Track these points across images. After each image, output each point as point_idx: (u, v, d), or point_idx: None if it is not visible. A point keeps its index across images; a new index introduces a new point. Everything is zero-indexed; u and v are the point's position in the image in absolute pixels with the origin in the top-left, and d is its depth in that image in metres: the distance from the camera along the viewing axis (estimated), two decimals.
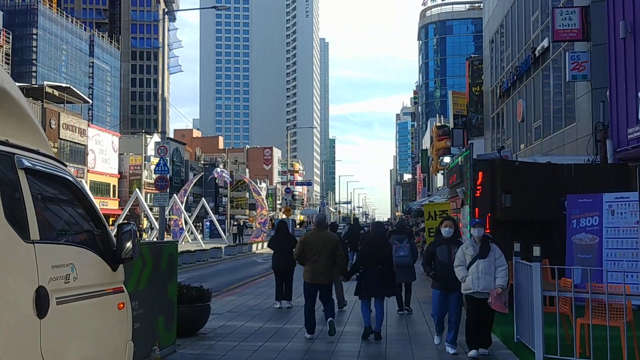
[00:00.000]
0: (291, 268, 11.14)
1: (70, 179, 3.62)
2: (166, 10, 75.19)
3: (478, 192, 9.62)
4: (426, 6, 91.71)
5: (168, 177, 20.74)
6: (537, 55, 18.95)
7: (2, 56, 69.57)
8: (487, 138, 25.98)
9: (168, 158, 20.76)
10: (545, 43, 18.09)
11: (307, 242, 8.27)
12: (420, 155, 72.20)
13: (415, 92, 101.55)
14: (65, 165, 3.67)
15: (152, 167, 65.99)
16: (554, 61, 18.06)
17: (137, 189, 33.84)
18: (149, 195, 55.47)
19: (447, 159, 19.09)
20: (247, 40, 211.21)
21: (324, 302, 8.24)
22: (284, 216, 57.39)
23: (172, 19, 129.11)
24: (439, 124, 46.67)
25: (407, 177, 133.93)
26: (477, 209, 9.74)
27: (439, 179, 49.36)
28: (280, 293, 11.06)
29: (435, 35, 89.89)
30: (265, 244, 36.67)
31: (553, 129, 18.25)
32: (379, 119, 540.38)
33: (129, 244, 3.77)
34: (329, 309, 8.26)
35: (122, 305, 3.97)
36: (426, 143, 66.18)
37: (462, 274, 6.86)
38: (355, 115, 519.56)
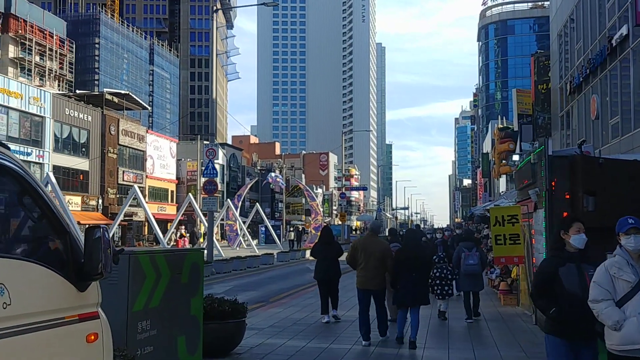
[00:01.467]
0: (335, 278, 10.21)
1: (13, 166, 2.64)
2: (217, 8, 75.28)
3: (567, 195, 8.29)
4: (486, 6, 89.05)
5: (217, 180, 20.08)
6: (614, 44, 17.22)
7: (66, 65, 71.67)
8: (555, 139, 24.16)
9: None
10: (624, 30, 16.37)
11: (357, 247, 8.33)
12: (480, 159, 69.80)
13: (475, 95, 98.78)
14: (7, 148, 2.71)
15: None
16: (634, 50, 16.31)
17: (190, 194, 33.56)
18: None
19: (516, 157, 17.41)
20: (303, 47, 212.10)
21: (376, 309, 8.23)
22: (339, 222, 56.38)
23: (230, 26, 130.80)
24: (501, 126, 44.60)
25: (466, 182, 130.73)
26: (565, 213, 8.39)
27: (502, 184, 47.21)
28: (326, 306, 10.07)
29: (496, 35, 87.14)
30: None
31: (634, 126, 16.46)
32: (436, 124, 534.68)
33: (99, 255, 2.79)
34: (381, 319, 8.24)
35: (93, 337, 2.98)
36: (487, 147, 63.84)
37: (615, 317, 3.79)
38: (411, 121, 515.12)
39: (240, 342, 7.39)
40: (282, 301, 12.74)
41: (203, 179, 19.91)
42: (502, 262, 10.41)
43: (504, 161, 42.80)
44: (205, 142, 66.51)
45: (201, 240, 41.13)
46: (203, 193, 19.51)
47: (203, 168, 63.37)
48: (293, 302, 12.64)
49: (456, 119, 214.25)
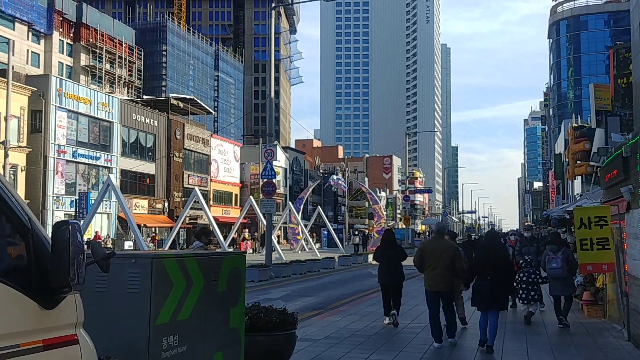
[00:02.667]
0: (399, 282, 10.04)
1: None
2: (275, 5, 75.30)
3: None
4: (557, 1, 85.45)
5: (276, 182, 19.53)
6: None
7: (135, 72, 73.72)
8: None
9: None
10: None
11: (425, 249, 8.31)
12: (552, 160, 66.76)
13: (545, 94, 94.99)
14: None
15: None
16: None
17: (251, 197, 33.30)
18: None
19: (601, 151, 15.82)
20: (366, 50, 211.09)
21: (445, 311, 8.22)
22: (403, 226, 55.08)
23: (293, 31, 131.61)
24: (576, 125, 42.15)
25: (537, 185, 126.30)
26: None
27: (577, 185, 44.73)
28: (388, 309, 9.95)
29: (568, 32, 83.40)
30: None
31: None
32: (503, 125, 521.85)
33: (68, 261, 2.06)
34: (450, 320, 8.25)
35: None
36: (560, 147, 60.95)
37: None
38: (477, 122, 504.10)
39: (289, 357, 6.63)
40: (341, 308, 11.92)
41: (262, 181, 19.36)
42: (589, 269, 9.22)
43: (578, 162, 40.43)
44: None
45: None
46: (262, 195, 18.99)
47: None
48: (352, 309, 11.79)
49: (525, 120, 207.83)
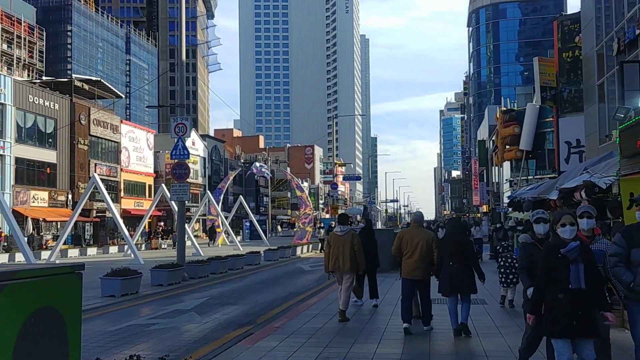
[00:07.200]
0: (374, 267, 10.68)
1: None
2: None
3: None
4: None
5: (189, 163, 16.22)
6: None
7: (36, 53, 67.07)
8: (589, 114, 20.50)
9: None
10: None
11: (403, 237, 8.22)
12: (475, 148, 66.49)
13: (465, 83, 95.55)
14: None
15: (190, 165, 62.37)
16: None
17: (163, 185, 29.52)
18: None
19: (621, 113, 13.27)
20: (286, 39, 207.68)
21: (421, 299, 8.17)
22: (326, 216, 52.62)
23: (210, 16, 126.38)
24: (505, 109, 41.16)
25: (455, 173, 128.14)
26: None
27: (505, 170, 43.84)
28: (361, 291, 10.51)
29: (487, 20, 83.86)
30: (311, 247, 31.97)
31: None
32: (414, 118, 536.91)
33: None
34: (426, 309, 8.11)
35: None
36: (483, 134, 60.56)
37: None
38: (390, 115, 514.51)
39: None
40: (276, 324, 8.86)
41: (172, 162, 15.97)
42: None
43: (507, 146, 39.40)
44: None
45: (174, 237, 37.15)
46: (172, 179, 15.62)
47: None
48: (292, 325, 8.77)
49: (441, 111, 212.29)
